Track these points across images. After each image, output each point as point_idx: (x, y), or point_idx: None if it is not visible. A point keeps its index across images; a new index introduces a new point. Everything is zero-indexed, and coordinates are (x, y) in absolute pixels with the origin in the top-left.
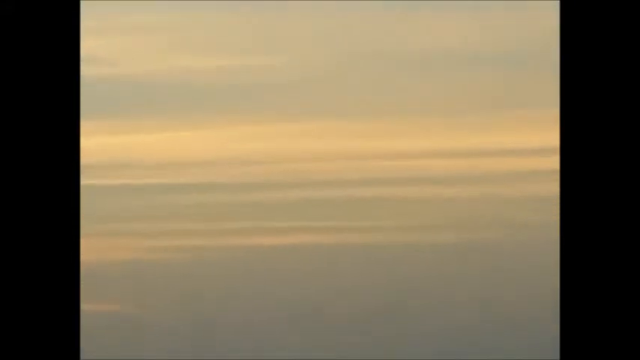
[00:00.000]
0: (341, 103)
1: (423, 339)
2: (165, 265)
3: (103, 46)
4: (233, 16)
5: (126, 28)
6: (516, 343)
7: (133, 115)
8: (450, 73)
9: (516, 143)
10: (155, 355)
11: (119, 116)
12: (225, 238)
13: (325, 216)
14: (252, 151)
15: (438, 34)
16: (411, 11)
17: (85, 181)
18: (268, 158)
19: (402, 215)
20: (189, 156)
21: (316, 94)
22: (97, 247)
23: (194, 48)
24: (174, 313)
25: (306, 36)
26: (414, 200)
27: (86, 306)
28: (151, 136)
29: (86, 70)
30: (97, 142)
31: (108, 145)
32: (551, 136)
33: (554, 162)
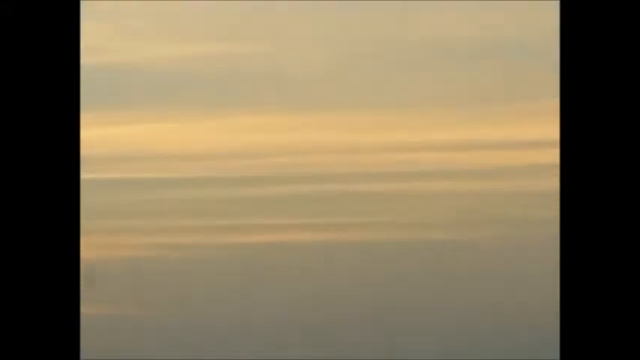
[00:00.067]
0: (340, 96)
1: (423, 338)
2: (162, 262)
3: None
4: (235, 4)
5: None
6: (516, 343)
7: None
8: (450, 66)
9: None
10: (154, 355)
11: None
12: (223, 235)
13: (323, 212)
14: (253, 143)
15: (437, 28)
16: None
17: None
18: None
19: (396, 211)
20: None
21: (319, 87)
22: (96, 243)
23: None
24: (173, 311)
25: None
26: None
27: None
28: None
29: (83, 59)
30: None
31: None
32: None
33: (554, 155)
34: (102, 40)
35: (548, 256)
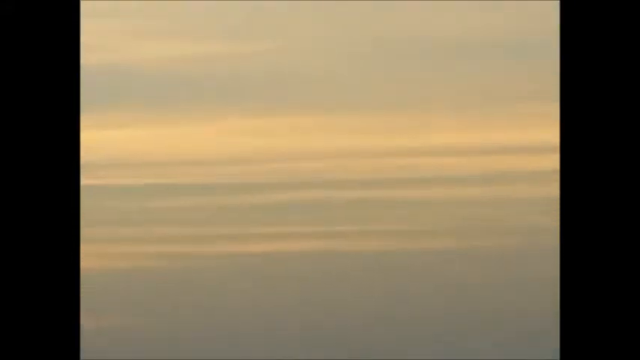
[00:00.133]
0: (340, 96)
1: (423, 345)
2: (164, 271)
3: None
4: (236, 4)
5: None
6: (517, 350)
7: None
8: (451, 67)
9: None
10: None
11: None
12: (219, 244)
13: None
14: (254, 148)
15: (437, 28)
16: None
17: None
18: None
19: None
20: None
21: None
22: (94, 252)
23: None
24: (173, 319)
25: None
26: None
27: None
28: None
29: (83, 59)
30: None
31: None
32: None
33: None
34: (102, 39)
35: (547, 260)
